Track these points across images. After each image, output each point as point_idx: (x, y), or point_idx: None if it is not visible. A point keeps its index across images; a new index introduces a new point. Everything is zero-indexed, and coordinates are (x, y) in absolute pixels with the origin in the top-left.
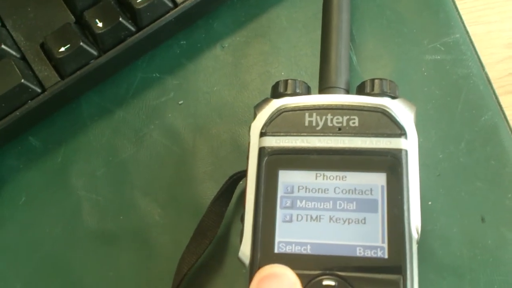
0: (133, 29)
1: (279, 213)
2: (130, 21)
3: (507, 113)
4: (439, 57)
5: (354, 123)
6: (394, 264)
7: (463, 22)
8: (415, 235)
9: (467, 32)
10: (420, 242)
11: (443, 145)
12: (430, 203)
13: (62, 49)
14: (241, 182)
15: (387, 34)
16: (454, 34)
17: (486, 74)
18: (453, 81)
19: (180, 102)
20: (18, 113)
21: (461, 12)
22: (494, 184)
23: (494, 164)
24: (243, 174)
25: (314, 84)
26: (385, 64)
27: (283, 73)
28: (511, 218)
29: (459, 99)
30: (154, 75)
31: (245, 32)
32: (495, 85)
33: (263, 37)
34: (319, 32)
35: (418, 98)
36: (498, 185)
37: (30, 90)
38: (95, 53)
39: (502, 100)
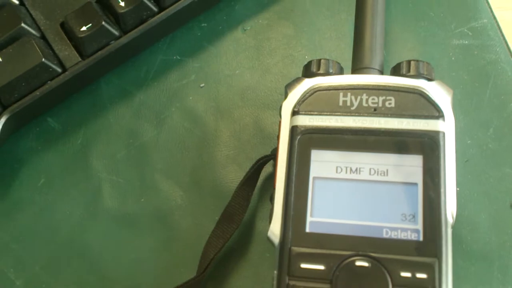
0: (155, 9)
1: (311, 193)
2: (152, 1)
3: None
4: (466, 42)
5: (390, 103)
6: (430, 247)
7: (490, 7)
8: (451, 220)
9: (494, 17)
10: None
11: (471, 131)
12: (458, 189)
13: (84, 28)
14: (265, 166)
15: (413, 17)
16: (481, 19)
17: None
18: (481, 66)
19: (201, 85)
20: (38, 93)
21: None
22: None
23: None
24: (269, 158)
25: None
26: (412, 48)
27: (306, 57)
28: None
29: (487, 85)
30: (174, 57)
31: (268, 14)
32: None
33: (286, 20)
34: (343, 15)
35: (446, 83)
36: None
37: (50, 69)
38: (116, 33)
39: None
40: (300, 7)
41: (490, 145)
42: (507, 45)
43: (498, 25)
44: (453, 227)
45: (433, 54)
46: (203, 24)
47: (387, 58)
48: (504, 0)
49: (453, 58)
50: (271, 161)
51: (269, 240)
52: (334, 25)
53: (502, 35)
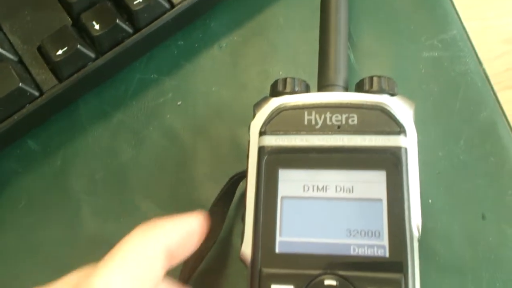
0: (130, 30)
1: (280, 212)
2: (127, 22)
3: (505, 108)
4: (436, 54)
5: (353, 121)
6: (396, 263)
7: (460, 18)
8: (416, 233)
9: (464, 28)
10: (421, 241)
11: (442, 143)
12: (430, 201)
13: (59, 52)
14: (241, 183)
15: (384, 31)
16: (451, 31)
17: (484, 70)
18: (451, 78)
19: (178, 103)
20: (16, 117)
21: (458, 8)
22: (494, 181)
23: (494, 161)
24: (243, 175)
25: (313, 82)
26: (383, 62)
27: (281, 72)
28: None
29: (457, 96)
30: (152, 76)
31: (243, 31)
32: (493, 81)
33: (260, 36)
34: (316, 30)
35: (416, 96)
36: (498, 182)
37: (28, 93)
38: (92, 55)
39: (500, 96)
40: (274, 23)
41: (461, 156)
42: (477, 55)
43: (467, 36)
44: (421, 239)
45: (404, 67)
46: (179, 42)
47: (358, 72)
48: (473, 11)
49: (423, 71)
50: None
51: (241, 261)
52: (308, 40)
53: (472, 45)
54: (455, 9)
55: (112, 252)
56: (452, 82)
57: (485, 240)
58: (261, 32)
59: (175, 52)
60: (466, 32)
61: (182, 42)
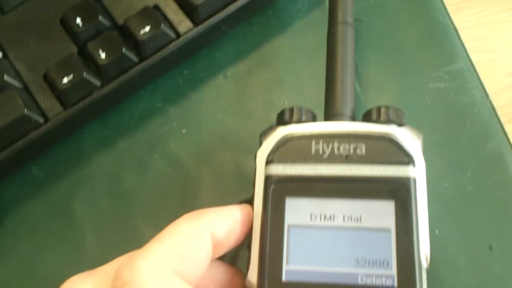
0: (136, 60)
1: (286, 241)
2: (133, 51)
3: None
4: (442, 85)
5: (361, 151)
6: None
7: (466, 51)
8: (425, 263)
9: (470, 60)
10: (428, 271)
11: (449, 174)
12: (437, 231)
13: (65, 79)
14: None
15: (390, 63)
16: (457, 63)
17: (490, 102)
18: (457, 109)
19: (183, 131)
20: (20, 144)
21: (464, 40)
22: (501, 212)
23: (501, 192)
24: (247, 202)
25: (318, 112)
26: (389, 93)
27: (286, 102)
28: None
29: (464, 127)
30: (157, 105)
31: (248, 61)
32: (499, 113)
33: (265, 66)
34: (322, 61)
35: (423, 127)
36: (506, 213)
37: (33, 120)
38: (98, 83)
39: (507, 128)
40: (279, 54)
41: (468, 187)
42: (483, 87)
43: (474, 68)
44: (428, 269)
45: (410, 99)
46: (185, 72)
47: (364, 104)
48: (480, 43)
49: (429, 102)
50: None
51: None
52: (313, 71)
53: (478, 77)
54: (461, 41)
55: (159, 235)
56: (459, 113)
57: (491, 271)
58: (266, 63)
59: (180, 81)
60: (472, 64)
61: (187, 72)
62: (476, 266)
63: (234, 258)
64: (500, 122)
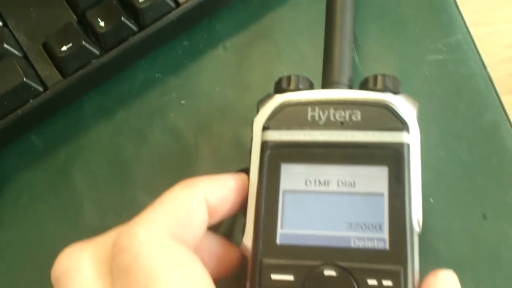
0: (135, 28)
1: (281, 206)
2: (132, 20)
3: (509, 112)
4: (441, 57)
5: (356, 117)
6: (395, 255)
7: (465, 23)
8: (416, 228)
9: (469, 32)
10: (421, 239)
11: (444, 143)
12: (431, 200)
13: (64, 48)
14: None
15: (390, 34)
16: (456, 35)
17: (488, 74)
18: (455, 80)
19: (182, 102)
20: (20, 112)
21: (464, 13)
22: (495, 181)
23: (495, 161)
24: (245, 171)
25: (317, 83)
26: (387, 64)
27: (285, 73)
28: None
29: (461, 98)
30: (156, 75)
31: (248, 33)
32: (497, 85)
33: (265, 38)
34: (322, 33)
35: (420, 97)
36: (499, 182)
37: (32, 88)
38: (97, 52)
39: (504, 99)
40: (279, 26)
41: (463, 157)
42: (481, 59)
43: (472, 40)
44: (423, 238)
45: (408, 70)
46: (184, 43)
47: (363, 74)
48: (479, 15)
49: (427, 73)
50: None
51: (242, 253)
52: (313, 43)
53: (476, 49)
54: (460, 13)
55: (154, 202)
56: (456, 85)
57: (485, 239)
58: (266, 34)
59: (180, 52)
60: (471, 36)
61: (187, 43)
62: (469, 234)
63: (230, 231)
64: (497, 94)
